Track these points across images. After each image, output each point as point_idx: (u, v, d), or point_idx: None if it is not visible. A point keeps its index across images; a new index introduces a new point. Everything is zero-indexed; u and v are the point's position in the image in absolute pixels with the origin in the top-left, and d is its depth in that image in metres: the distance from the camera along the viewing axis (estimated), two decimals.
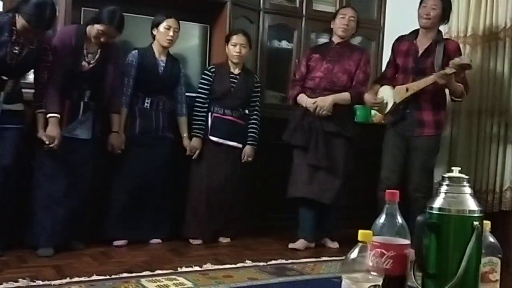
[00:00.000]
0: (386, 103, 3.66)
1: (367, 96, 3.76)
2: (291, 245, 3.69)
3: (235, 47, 3.82)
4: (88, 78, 3.34)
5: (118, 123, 3.53)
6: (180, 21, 3.79)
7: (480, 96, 3.74)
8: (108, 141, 3.49)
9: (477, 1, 3.81)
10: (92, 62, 3.34)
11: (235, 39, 3.83)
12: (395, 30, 4.30)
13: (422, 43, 3.61)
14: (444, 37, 3.77)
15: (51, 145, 3.18)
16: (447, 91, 3.59)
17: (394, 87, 3.65)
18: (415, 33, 3.69)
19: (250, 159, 3.88)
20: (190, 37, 3.99)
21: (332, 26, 3.91)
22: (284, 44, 4.57)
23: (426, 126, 3.54)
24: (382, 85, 3.77)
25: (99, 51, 3.36)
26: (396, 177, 3.57)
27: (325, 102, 3.70)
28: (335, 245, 3.81)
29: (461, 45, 3.79)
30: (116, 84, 3.49)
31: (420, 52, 3.59)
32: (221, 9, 4.24)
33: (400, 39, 3.78)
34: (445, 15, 3.61)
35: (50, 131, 3.19)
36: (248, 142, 3.89)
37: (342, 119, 3.78)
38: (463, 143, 3.80)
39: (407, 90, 3.53)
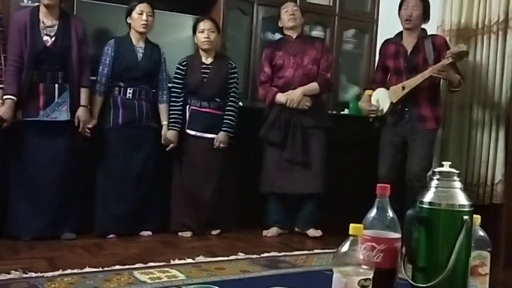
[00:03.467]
0: (382, 109, 3.69)
1: (363, 105, 3.83)
2: (264, 233, 3.85)
3: (203, 33, 3.78)
4: (55, 55, 3.34)
5: (86, 98, 3.48)
6: (174, 13, 3.78)
7: (472, 89, 3.74)
8: (75, 116, 3.42)
9: None
10: (52, 34, 3.34)
11: (202, 25, 3.80)
12: (388, 22, 4.31)
13: (409, 43, 3.67)
14: (437, 30, 3.83)
15: (1, 126, 3.21)
16: (441, 86, 3.63)
17: (387, 88, 3.68)
18: (399, 35, 3.76)
19: (222, 145, 3.80)
20: (184, 28, 3.97)
21: (280, 25, 4.00)
22: (278, 36, 4.54)
23: (427, 120, 3.58)
24: (373, 90, 3.80)
25: (57, 23, 3.36)
26: (394, 175, 3.61)
27: (294, 95, 3.79)
28: (318, 233, 3.87)
29: (454, 38, 3.82)
30: (82, 57, 3.46)
31: (409, 51, 3.65)
32: (214, 1, 4.23)
33: (386, 42, 3.86)
34: (426, 14, 3.68)
35: (4, 113, 3.22)
36: (222, 128, 3.82)
37: (317, 111, 3.89)
38: (455, 136, 3.81)
39: (403, 88, 3.57)
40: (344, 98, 4.79)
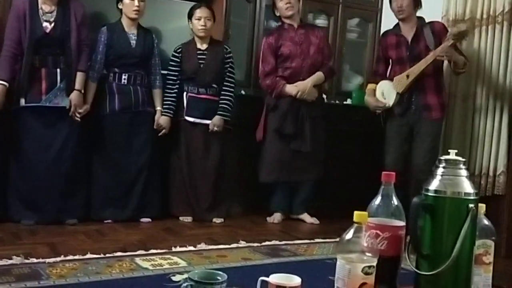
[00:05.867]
0: (389, 100, 3.68)
1: (369, 100, 3.81)
2: (269, 219, 3.89)
3: (200, 21, 3.77)
4: (55, 40, 3.32)
5: (81, 81, 3.45)
6: (178, 0, 3.73)
7: (476, 79, 3.73)
8: (68, 100, 3.39)
9: None
10: (52, 20, 3.32)
11: (198, 12, 3.78)
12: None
13: (408, 32, 3.67)
14: (442, 20, 3.82)
15: None
16: (445, 72, 3.64)
17: (391, 80, 3.67)
18: (397, 26, 3.75)
19: (217, 129, 3.78)
20: (184, 16, 3.92)
21: (277, 14, 3.97)
22: None
23: (433, 109, 3.57)
24: (376, 83, 3.79)
25: (56, 9, 3.35)
26: (400, 165, 3.60)
27: (306, 85, 3.80)
28: (315, 220, 3.91)
29: None
30: (81, 40, 3.44)
31: (410, 40, 3.63)
32: None
33: (386, 34, 3.86)
34: (415, 1, 3.66)
35: None
36: (218, 112, 3.80)
37: (319, 100, 3.94)
38: (458, 127, 3.80)
39: (407, 76, 3.55)
40: (347, 87, 4.78)
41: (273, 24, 4.48)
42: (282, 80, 3.86)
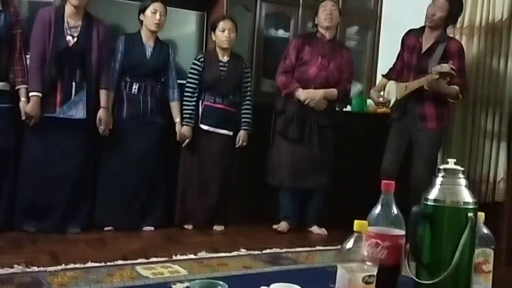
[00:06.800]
0: (390, 100, 3.72)
1: (373, 94, 3.86)
2: (275, 226, 3.88)
3: (224, 32, 3.81)
4: (76, 55, 3.37)
5: (106, 99, 3.52)
6: (177, 9, 3.76)
7: (475, 87, 3.75)
8: (97, 117, 3.47)
9: None
10: (75, 35, 3.36)
11: (222, 24, 3.83)
12: (391, 19, 4.31)
13: (427, 41, 3.64)
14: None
15: (29, 123, 3.25)
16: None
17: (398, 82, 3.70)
18: (422, 29, 3.70)
19: (244, 143, 3.89)
20: (187, 24, 3.97)
21: (316, 22, 3.99)
22: (281, 33, 4.55)
23: (428, 120, 3.57)
24: (389, 79, 3.82)
25: (80, 25, 3.38)
26: (395, 169, 3.61)
27: (316, 95, 3.81)
28: (322, 231, 3.89)
29: (457, 36, 3.81)
30: (103, 59, 3.49)
31: (424, 50, 3.62)
32: None
33: (409, 33, 3.81)
34: (451, 18, 3.61)
35: (31, 110, 3.24)
36: (243, 127, 3.90)
37: (331, 110, 3.94)
38: (458, 134, 3.82)
39: (406, 88, 3.58)
40: None
41: (273, 32, 4.51)
42: (297, 83, 3.87)
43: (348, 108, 4.66)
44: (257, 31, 4.43)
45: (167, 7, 3.75)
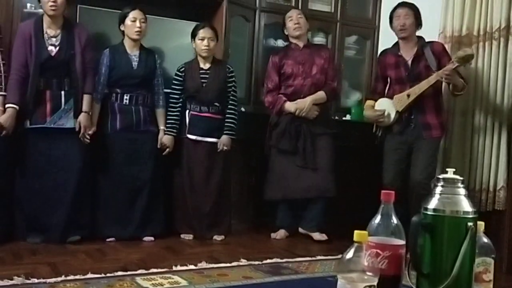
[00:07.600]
0: (389, 114, 3.70)
1: (368, 113, 3.86)
2: (273, 235, 3.91)
3: (203, 41, 3.81)
4: (60, 63, 3.37)
5: (88, 104, 3.49)
6: (176, 20, 3.76)
7: (474, 95, 3.75)
8: (77, 121, 3.43)
9: (472, 1, 3.82)
10: (57, 44, 3.37)
11: (201, 33, 3.82)
12: (390, 29, 4.31)
13: (407, 52, 3.70)
14: (439, 37, 3.85)
15: (0, 133, 3.22)
16: (443, 91, 3.67)
17: (391, 98, 3.69)
18: (396, 45, 3.78)
19: (226, 148, 3.84)
20: (186, 35, 3.97)
21: (286, 33, 4.04)
22: (280, 43, 4.56)
23: (433, 128, 3.60)
24: (375, 100, 3.82)
25: (60, 33, 3.39)
26: (399, 183, 3.62)
27: (304, 103, 3.83)
28: (323, 237, 3.87)
29: (455, 45, 3.83)
30: (86, 64, 3.48)
31: (409, 60, 3.67)
32: (217, 7, 4.24)
33: (384, 53, 3.89)
34: (418, 21, 3.70)
35: (4, 121, 3.23)
36: (225, 132, 3.85)
37: (325, 118, 3.95)
38: (457, 142, 3.82)
39: (408, 96, 3.58)
40: (346, 104, 4.81)
41: (272, 42, 4.53)
42: (283, 97, 3.89)
43: (348, 117, 4.68)
44: (256, 41, 4.46)
45: (167, 18, 3.77)
